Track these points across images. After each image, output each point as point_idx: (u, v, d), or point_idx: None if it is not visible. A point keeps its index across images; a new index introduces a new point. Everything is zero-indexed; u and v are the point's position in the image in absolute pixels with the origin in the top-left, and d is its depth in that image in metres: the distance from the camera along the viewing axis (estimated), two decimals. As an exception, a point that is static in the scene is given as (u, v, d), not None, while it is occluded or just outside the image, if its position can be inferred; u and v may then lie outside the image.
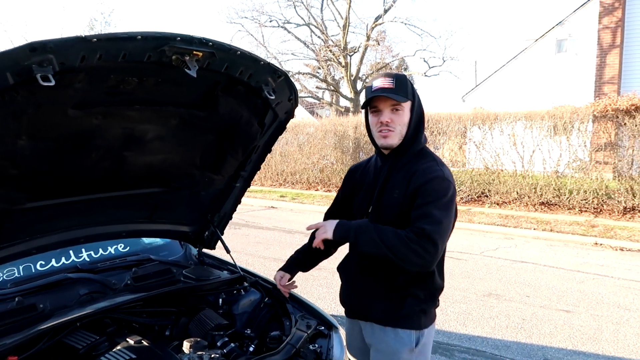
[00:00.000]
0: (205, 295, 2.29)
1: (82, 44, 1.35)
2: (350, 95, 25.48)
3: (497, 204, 10.47)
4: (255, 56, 1.75)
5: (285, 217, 10.33)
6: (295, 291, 2.26)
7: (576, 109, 9.88)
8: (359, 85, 25.83)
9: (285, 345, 1.86)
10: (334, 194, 2.40)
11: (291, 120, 2.17)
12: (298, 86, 22.57)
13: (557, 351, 3.89)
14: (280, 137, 2.26)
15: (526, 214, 9.66)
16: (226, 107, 1.90)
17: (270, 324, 2.19)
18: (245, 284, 2.39)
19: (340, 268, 2.07)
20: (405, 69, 31.36)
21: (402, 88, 1.80)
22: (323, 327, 2.11)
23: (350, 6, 24.56)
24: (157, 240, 2.83)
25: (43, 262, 2.32)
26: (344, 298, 2.06)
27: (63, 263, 2.37)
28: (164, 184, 2.17)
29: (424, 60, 26.93)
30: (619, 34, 15.37)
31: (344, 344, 2.08)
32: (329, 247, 2.10)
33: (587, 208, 9.47)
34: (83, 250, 2.46)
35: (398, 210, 1.81)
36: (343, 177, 2.18)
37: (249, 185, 2.42)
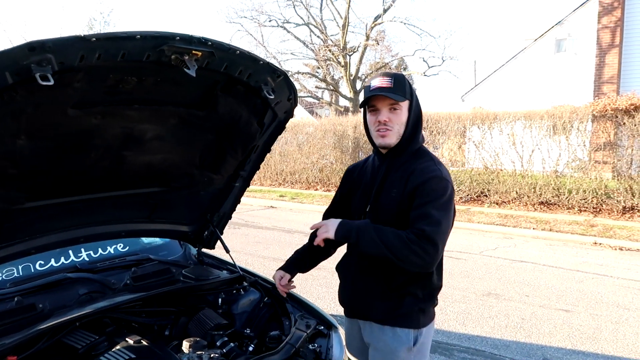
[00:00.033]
0: (204, 295, 2.29)
1: (81, 44, 1.35)
2: (350, 95, 25.48)
3: (497, 204, 10.47)
4: (255, 56, 1.75)
5: (285, 217, 10.32)
6: (294, 291, 2.26)
7: (575, 109, 9.89)
8: (359, 84, 25.82)
9: (284, 344, 1.86)
10: (333, 194, 2.40)
11: (290, 119, 2.17)
12: (297, 86, 22.55)
13: (557, 350, 3.90)
14: (279, 137, 2.26)
15: (525, 213, 9.67)
16: (225, 107, 1.90)
17: (269, 323, 2.19)
18: (245, 283, 2.38)
19: (339, 268, 2.07)
20: (405, 69, 31.37)
21: (400, 87, 1.80)
22: (322, 327, 2.11)
23: (349, 6, 24.56)
24: (157, 240, 2.82)
25: (42, 262, 2.32)
26: (343, 297, 2.06)
27: (62, 263, 2.37)
28: (163, 183, 2.17)
29: (424, 60, 27.04)
30: (618, 33, 15.38)
31: (344, 343, 2.08)
32: (329, 247, 2.11)
33: (587, 208, 9.48)
34: (82, 250, 2.46)
35: (396, 209, 1.81)
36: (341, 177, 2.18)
37: (248, 185, 2.42)
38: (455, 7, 58.48)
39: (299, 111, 30.37)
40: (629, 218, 8.88)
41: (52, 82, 1.31)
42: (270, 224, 9.37)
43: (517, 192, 10.22)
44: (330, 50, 25.24)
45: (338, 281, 2.09)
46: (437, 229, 1.68)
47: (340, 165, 13.60)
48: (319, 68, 27.54)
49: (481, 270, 6.15)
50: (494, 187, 10.58)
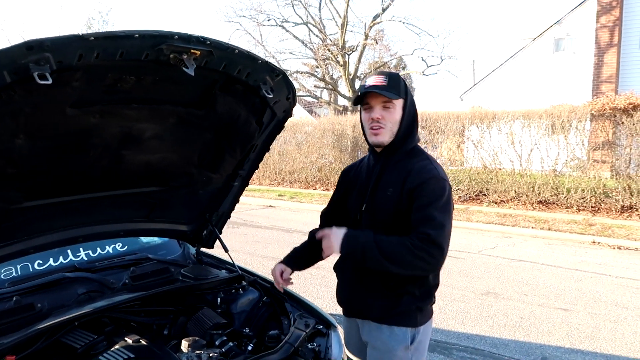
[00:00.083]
0: (203, 294, 2.29)
1: (79, 43, 1.35)
2: (349, 94, 25.46)
3: (495, 203, 10.48)
4: (253, 55, 1.75)
5: (284, 216, 10.32)
6: (293, 290, 2.26)
7: (574, 108, 9.90)
8: (357, 84, 25.79)
9: (283, 344, 1.86)
10: (332, 193, 2.41)
11: (289, 119, 2.17)
12: (296, 85, 22.55)
13: (555, 349, 3.90)
14: (278, 136, 2.26)
15: (524, 212, 9.68)
16: (224, 106, 1.89)
17: (268, 323, 2.19)
18: (244, 283, 2.38)
19: (337, 267, 2.07)
20: (404, 68, 31.40)
21: (394, 86, 1.80)
22: (321, 326, 2.11)
23: (348, 5, 24.54)
24: (155, 240, 2.82)
25: (41, 262, 2.32)
26: (341, 297, 2.06)
27: (61, 262, 2.36)
28: (162, 182, 2.17)
29: (422, 59, 26.95)
30: (617, 32, 15.40)
31: (343, 342, 2.08)
32: None
33: (585, 207, 9.49)
34: (81, 249, 2.46)
35: (393, 209, 1.81)
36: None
37: (247, 184, 2.42)
38: (454, 7, 58.53)
39: (298, 110, 30.34)
40: (628, 217, 8.90)
41: (50, 81, 1.31)
42: (269, 223, 9.36)
43: (515, 192, 10.24)
44: (329, 50, 25.22)
45: (336, 280, 2.09)
46: (442, 231, 1.70)
47: (339, 164, 13.60)
48: (317, 67, 27.54)
49: (480, 270, 6.16)
50: (492, 187, 10.59)
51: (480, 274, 5.95)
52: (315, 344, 1.99)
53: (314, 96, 27.90)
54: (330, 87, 27.23)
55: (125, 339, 1.77)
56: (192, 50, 1.53)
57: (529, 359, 3.73)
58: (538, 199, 9.99)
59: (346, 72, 25.23)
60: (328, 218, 2.16)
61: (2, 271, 2.20)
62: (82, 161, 1.79)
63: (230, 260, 2.54)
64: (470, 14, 60.84)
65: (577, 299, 5.08)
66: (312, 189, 13.86)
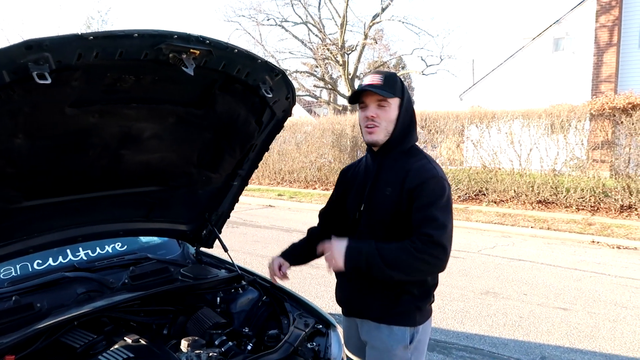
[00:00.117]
0: (203, 294, 2.29)
1: (78, 42, 1.35)
2: (348, 93, 25.43)
3: (495, 203, 10.49)
4: (253, 54, 1.75)
5: (283, 216, 10.32)
6: (293, 290, 2.26)
7: (573, 108, 9.90)
8: (357, 83, 25.79)
9: (283, 343, 1.86)
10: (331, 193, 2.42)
11: (289, 118, 2.17)
12: (295, 84, 22.58)
13: (555, 349, 3.91)
14: (277, 136, 2.26)
15: (523, 212, 9.68)
16: (223, 106, 1.89)
17: (268, 322, 2.18)
18: (243, 282, 2.38)
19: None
20: (403, 67, 31.41)
21: (389, 85, 1.81)
22: (321, 326, 2.11)
23: (347, 4, 24.52)
24: (155, 239, 2.82)
25: (40, 261, 2.31)
26: (340, 296, 2.06)
27: (60, 262, 2.36)
28: (161, 182, 2.16)
29: (422, 59, 27.02)
30: (616, 32, 15.41)
31: (342, 342, 2.09)
32: None
33: (584, 206, 9.50)
34: (80, 249, 2.46)
35: (391, 208, 1.81)
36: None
37: (246, 184, 2.42)
38: (454, 6, 58.51)
39: (297, 110, 30.34)
40: (627, 216, 8.91)
41: (49, 81, 1.30)
42: (269, 223, 9.36)
43: (515, 191, 10.24)
44: (328, 49, 25.21)
45: (336, 280, 2.09)
46: (444, 232, 1.70)
47: (338, 164, 13.60)
48: (317, 67, 27.54)
49: (479, 269, 6.16)
50: (492, 186, 10.59)
51: (480, 274, 5.95)
52: (314, 344, 1.99)
53: (314, 96, 27.90)
54: (330, 86, 27.23)
55: (125, 338, 1.77)
56: (191, 50, 1.53)
57: (528, 358, 3.74)
58: (537, 199, 10.00)
59: (345, 71, 25.22)
60: (327, 218, 2.16)
61: (2, 271, 2.20)
62: (81, 161, 1.78)
63: (229, 260, 2.54)
64: (470, 13, 60.87)
65: (576, 298, 5.08)
66: (312, 188, 13.86)
